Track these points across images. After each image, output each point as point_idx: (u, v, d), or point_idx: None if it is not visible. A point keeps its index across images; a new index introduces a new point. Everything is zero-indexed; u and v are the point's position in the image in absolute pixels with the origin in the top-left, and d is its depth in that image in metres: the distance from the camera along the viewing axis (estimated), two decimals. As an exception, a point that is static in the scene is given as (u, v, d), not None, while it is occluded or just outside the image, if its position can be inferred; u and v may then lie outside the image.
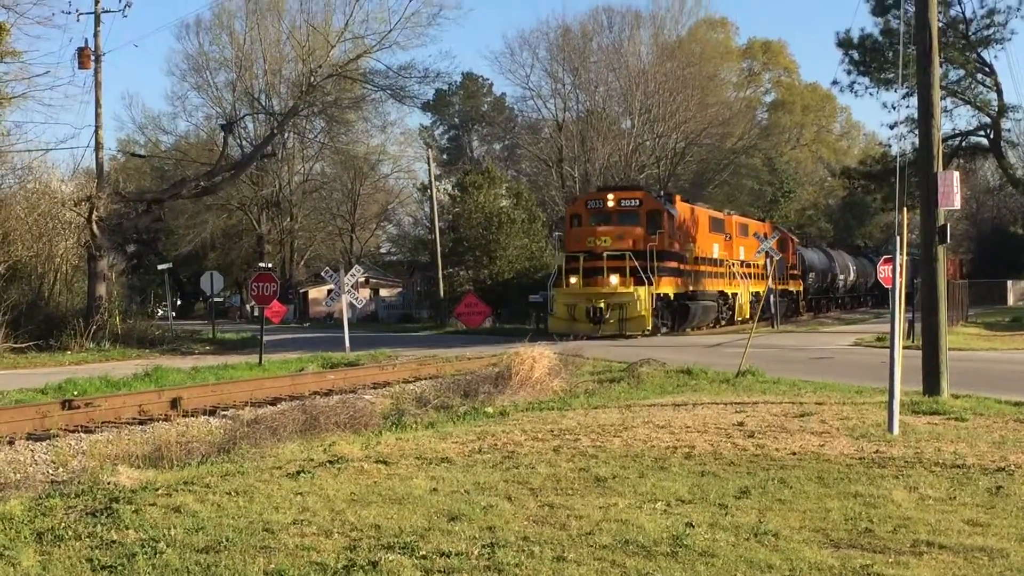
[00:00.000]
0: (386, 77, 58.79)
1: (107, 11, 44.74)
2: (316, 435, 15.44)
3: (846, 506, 9.77)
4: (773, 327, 48.37)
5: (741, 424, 15.08)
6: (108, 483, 11.21)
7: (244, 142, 69.21)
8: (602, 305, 39.89)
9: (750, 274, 54.76)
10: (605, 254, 40.35)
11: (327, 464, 12.07)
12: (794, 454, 12.58)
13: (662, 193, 45.22)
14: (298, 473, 11.52)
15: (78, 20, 45.07)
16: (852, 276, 76.30)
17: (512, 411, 17.84)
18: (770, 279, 47.38)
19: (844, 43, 46.45)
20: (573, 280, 40.64)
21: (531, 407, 18.50)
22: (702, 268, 47.50)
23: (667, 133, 75.43)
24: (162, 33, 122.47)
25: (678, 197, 46.83)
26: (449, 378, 22.95)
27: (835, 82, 66.87)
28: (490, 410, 18.18)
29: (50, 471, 13.86)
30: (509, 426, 15.56)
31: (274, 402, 19.67)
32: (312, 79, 53.53)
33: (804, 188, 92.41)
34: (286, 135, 72.77)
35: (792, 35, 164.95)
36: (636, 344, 35.59)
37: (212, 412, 18.30)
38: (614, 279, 40.14)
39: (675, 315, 43.79)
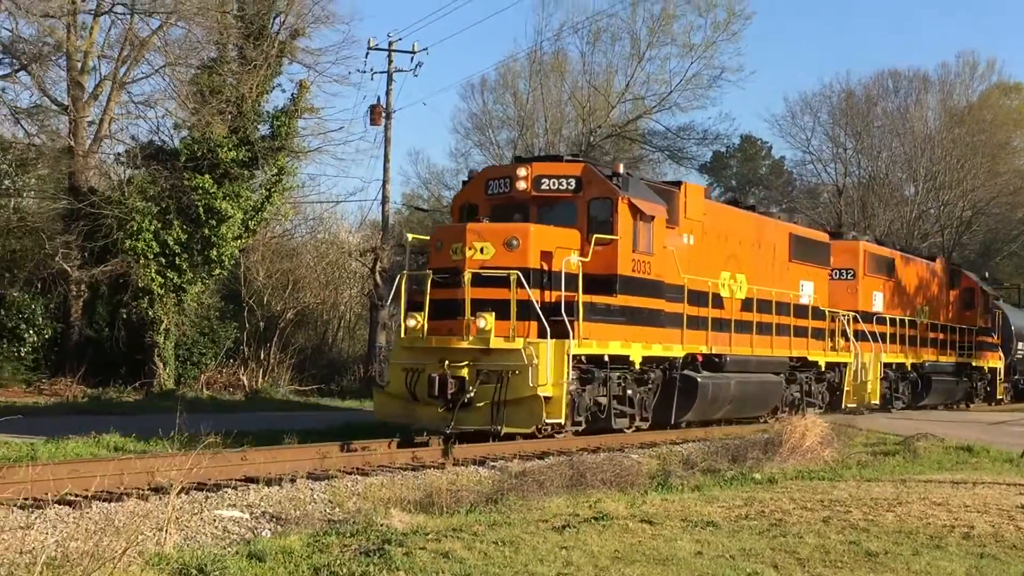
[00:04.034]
0: (664, 138, 59.26)
1: (399, 70, 46.61)
2: (582, 491, 15.53)
3: None
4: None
5: (1025, 506, 14.36)
6: (381, 525, 11.58)
7: (523, 199, 70.57)
8: (465, 372, 20.30)
9: (893, 336, 36.27)
10: (467, 273, 20.44)
11: (592, 520, 12.13)
12: (1083, 541, 11.90)
13: (615, 172, 22.77)
14: (563, 527, 11.62)
15: (372, 79, 47.14)
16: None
17: (780, 478, 17.52)
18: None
19: None
20: (412, 323, 21.11)
21: (800, 475, 18.13)
22: (748, 316, 27.20)
23: (953, 201, 72.86)
24: (448, 93, 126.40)
25: (688, 186, 25.63)
26: (717, 441, 22.68)
27: None
28: (758, 476, 17.90)
29: (327, 510, 14.36)
30: (777, 493, 15.29)
31: (542, 456, 19.84)
32: (591, 139, 54.36)
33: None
34: (563, 193, 73.93)
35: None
36: (913, 417, 34.24)
37: (481, 462, 18.61)
38: (484, 323, 20.22)
39: (664, 395, 24.24)
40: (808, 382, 30.69)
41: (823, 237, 33.63)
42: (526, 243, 20.94)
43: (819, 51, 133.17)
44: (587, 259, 21.34)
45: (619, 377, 22.68)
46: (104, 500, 12.76)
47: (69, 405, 29.74)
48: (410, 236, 23.59)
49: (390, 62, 46.39)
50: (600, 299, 21.67)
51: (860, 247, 35.61)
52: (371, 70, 46.75)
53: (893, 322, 36.47)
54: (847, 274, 34.97)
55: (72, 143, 34.70)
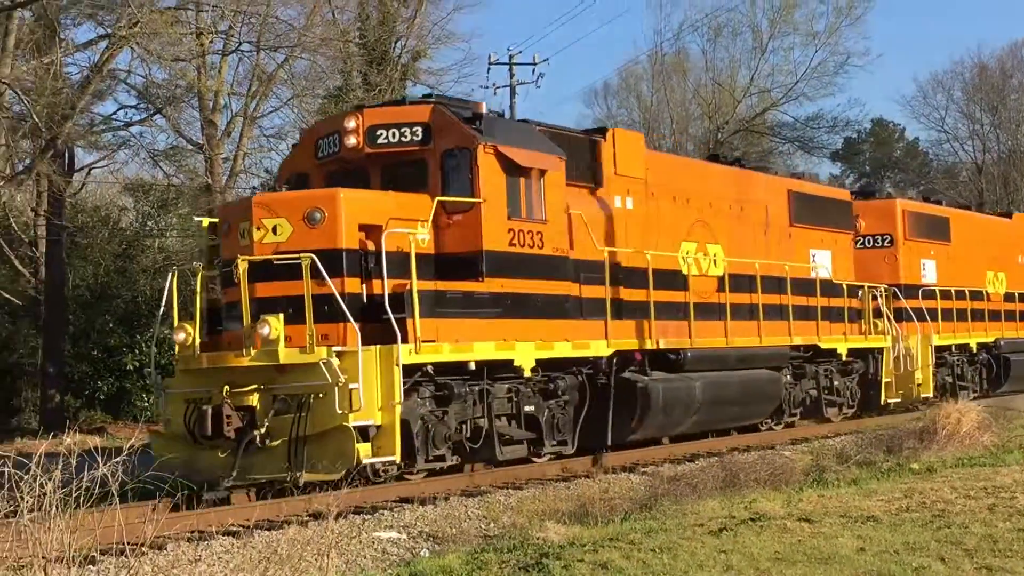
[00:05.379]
0: (793, 129, 58.52)
1: (522, 83, 46.97)
2: (736, 492, 15.38)
3: None
4: None
5: None
6: (537, 538, 11.62)
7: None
8: (254, 400, 14.92)
9: (950, 312, 30.09)
10: (242, 262, 14.97)
11: (749, 521, 12.00)
12: None
13: (476, 113, 17.15)
14: (720, 530, 11.51)
15: (495, 94, 47.45)
16: None
17: (939, 467, 17.12)
18: None
19: None
20: (182, 336, 15.82)
21: (959, 463, 17.70)
22: (726, 298, 21.57)
23: (1101, 168, 70.70)
24: (572, 101, 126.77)
25: (618, 132, 20.32)
26: (870, 433, 22.31)
27: None
28: (915, 466, 17.53)
29: (482, 526, 14.45)
30: (937, 483, 14.94)
31: (692, 459, 19.73)
32: (719, 135, 53.87)
33: None
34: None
35: None
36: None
37: (632, 469, 18.55)
38: (269, 329, 14.58)
39: (598, 408, 18.67)
40: (828, 375, 25.06)
41: (841, 195, 28.15)
42: (334, 215, 15.27)
43: (947, 27, 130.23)
44: (427, 234, 15.95)
45: (509, 390, 17.06)
46: (265, 529, 13.04)
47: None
48: (205, 220, 17.94)
49: (512, 75, 46.80)
50: (456, 286, 16.14)
51: (896, 206, 29.58)
52: (494, 85, 47.15)
53: (949, 295, 29.95)
54: (883, 240, 28.96)
55: (209, 180, 35.51)
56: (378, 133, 16.82)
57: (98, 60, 30.42)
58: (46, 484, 9.28)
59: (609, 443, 18.91)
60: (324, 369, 14.38)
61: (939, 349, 29.18)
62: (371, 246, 15.52)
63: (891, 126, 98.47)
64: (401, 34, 36.98)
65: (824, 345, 24.45)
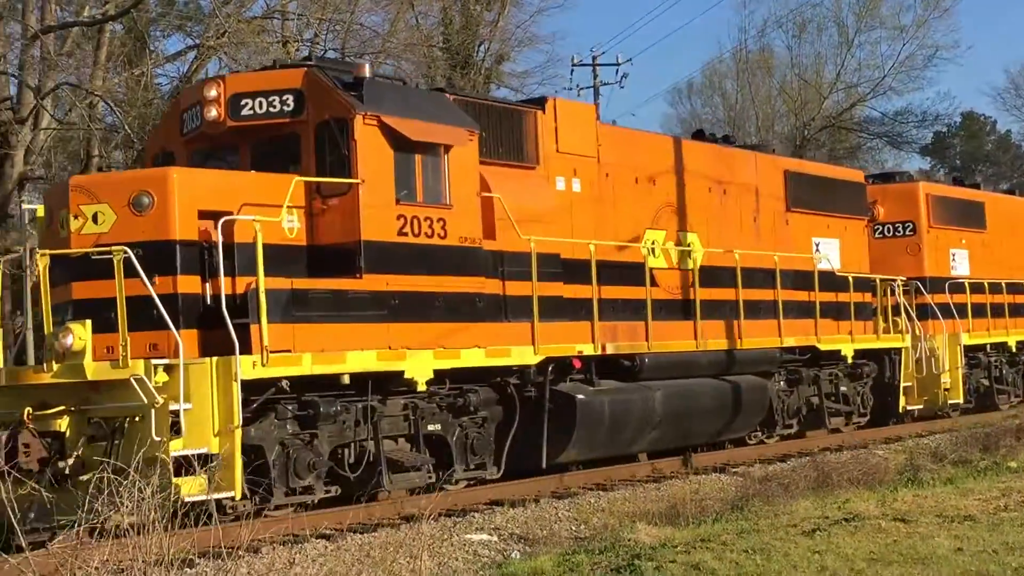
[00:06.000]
0: (882, 124, 57.71)
1: (605, 84, 46.91)
2: (828, 492, 15.25)
3: None
4: None
5: None
6: (628, 540, 11.61)
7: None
8: (63, 425, 12.21)
9: (983, 307, 27.02)
10: (42, 257, 12.65)
11: (842, 522, 11.89)
12: None
13: (358, 78, 14.27)
14: (813, 531, 11.42)
15: (579, 95, 47.43)
16: None
17: (1038, 465, 16.87)
18: None
19: None
20: None
21: (1059, 461, 17.43)
22: (701, 294, 18.86)
23: None
24: (656, 100, 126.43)
25: (560, 102, 17.55)
26: (966, 431, 21.98)
27: None
28: (1014, 464, 17.26)
29: (573, 527, 14.45)
30: (1036, 482, 14.71)
31: (783, 459, 19.56)
32: (805, 132, 53.36)
33: None
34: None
35: None
36: None
37: (722, 469, 18.45)
38: (72, 339, 12.07)
39: (531, 425, 16.00)
40: (833, 381, 22.17)
41: (853, 176, 25.20)
42: (166, 200, 12.76)
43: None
44: (295, 222, 13.68)
45: (405, 407, 14.52)
46: (358, 532, 13.13)
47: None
48: (40, 209, 14.65)
49: (595, 76, 46.85)
50: (324, 284, 13.57)
51: (919, 190, 26.52)
52: (577, 87, 47.17)
53: (982, 288, 26.81)
54: (904, 228, 25.88)
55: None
56: (243, 103, 14.24)
57: (187, 71, 30.89)
58: (144, 489, 9.46)
59: (544, 465, 16.26)
60: (136, 387, 11.79)
61: (971, 349, 26.29)
62: (213, 237, 12.89)
63: (982, 119, 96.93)
64: (484, 37, 37.17)
65: (824, 346, 21.56)
